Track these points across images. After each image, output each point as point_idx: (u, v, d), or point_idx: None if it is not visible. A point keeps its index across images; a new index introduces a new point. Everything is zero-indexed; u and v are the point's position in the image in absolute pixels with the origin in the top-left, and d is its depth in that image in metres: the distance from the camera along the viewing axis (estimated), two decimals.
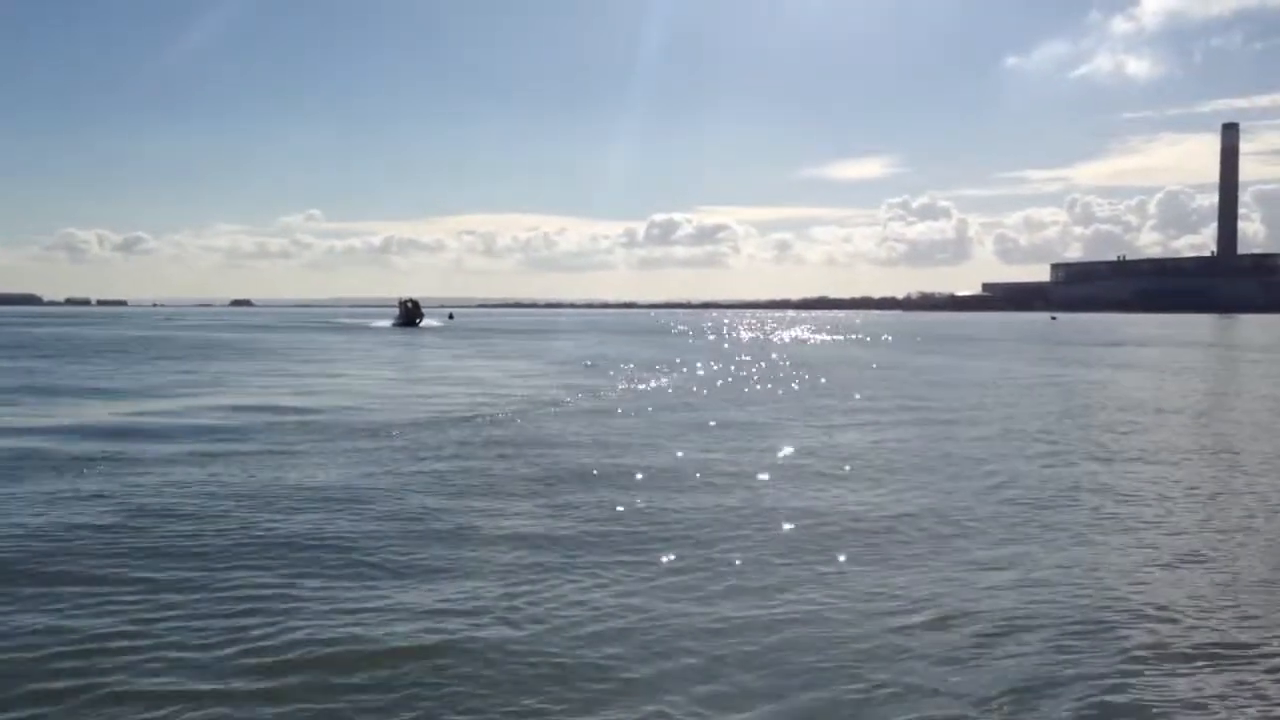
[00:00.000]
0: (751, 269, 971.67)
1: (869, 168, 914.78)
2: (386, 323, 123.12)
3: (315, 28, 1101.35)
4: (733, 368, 47.66)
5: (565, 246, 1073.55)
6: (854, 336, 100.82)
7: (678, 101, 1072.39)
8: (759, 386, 36.37)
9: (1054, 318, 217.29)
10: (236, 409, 26.09)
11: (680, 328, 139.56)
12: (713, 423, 24.23)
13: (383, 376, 40.08)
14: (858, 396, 32.08)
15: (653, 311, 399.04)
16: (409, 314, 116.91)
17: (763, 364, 51.04)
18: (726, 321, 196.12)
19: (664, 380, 38.73)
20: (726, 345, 77.56)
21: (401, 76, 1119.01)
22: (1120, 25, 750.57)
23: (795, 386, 36.31)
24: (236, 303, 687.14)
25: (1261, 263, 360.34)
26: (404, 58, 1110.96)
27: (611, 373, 42.85)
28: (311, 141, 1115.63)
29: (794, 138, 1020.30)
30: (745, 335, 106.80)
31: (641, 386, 35.71)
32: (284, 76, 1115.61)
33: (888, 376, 42.40)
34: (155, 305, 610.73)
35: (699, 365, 49.35)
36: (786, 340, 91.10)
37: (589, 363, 50.41)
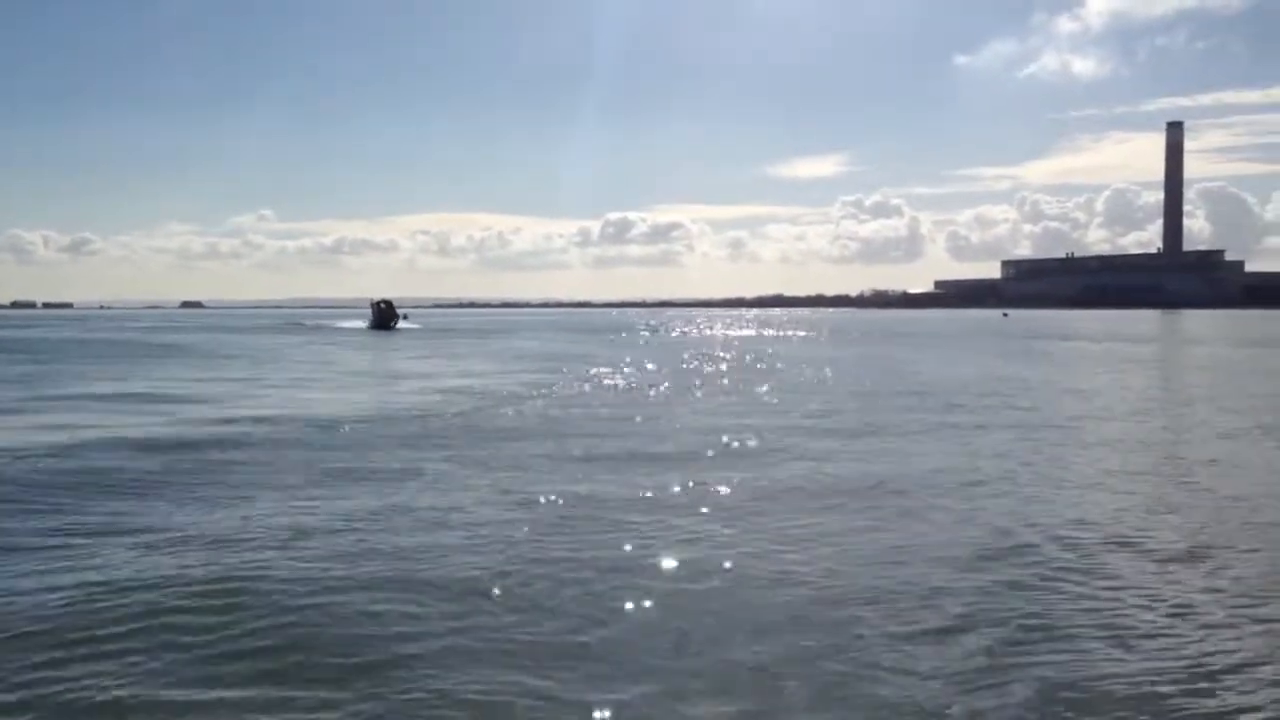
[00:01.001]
0: (706, 267, 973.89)
1: (822, 166, 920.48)
2: (358, 324, 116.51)
3: (266, 26, 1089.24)
4: (719, 365, 47.98)
5: (520, 246, 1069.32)
6: (827, 335, 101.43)
7: (632, 101, 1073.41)
8: (756, 387, 36.60)
9: (1005, 314, 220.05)
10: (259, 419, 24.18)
11: (642, 326, 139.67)
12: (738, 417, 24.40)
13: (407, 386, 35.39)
14: (833, 395, 32.41)
15: (612, 311, 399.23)
16: (383, 315, 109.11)
17: (744, 361, 51.45)
18: (686, 319, 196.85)
19: (664, 377, 39.00)
20: (694, 343, 77.98)
21: (355, 75, 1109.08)
22: (1066, 25, 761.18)
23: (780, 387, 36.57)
24: (187, 304, 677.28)
25: (1206, 259, 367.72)
26: (357, 56, 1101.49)
27: (626, 371, 43.12)
28: (263, 141, 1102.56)
29: (747, 137, 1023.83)
30: (711, 333, 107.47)
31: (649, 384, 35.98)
32: (235, 75, 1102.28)
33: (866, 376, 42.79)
34: (103, 307, 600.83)
35: (684, 363, 49.68)
36: (750, 337, 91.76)
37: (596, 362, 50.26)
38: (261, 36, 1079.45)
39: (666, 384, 35.67)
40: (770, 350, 63.65)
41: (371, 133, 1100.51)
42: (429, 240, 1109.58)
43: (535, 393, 31.59)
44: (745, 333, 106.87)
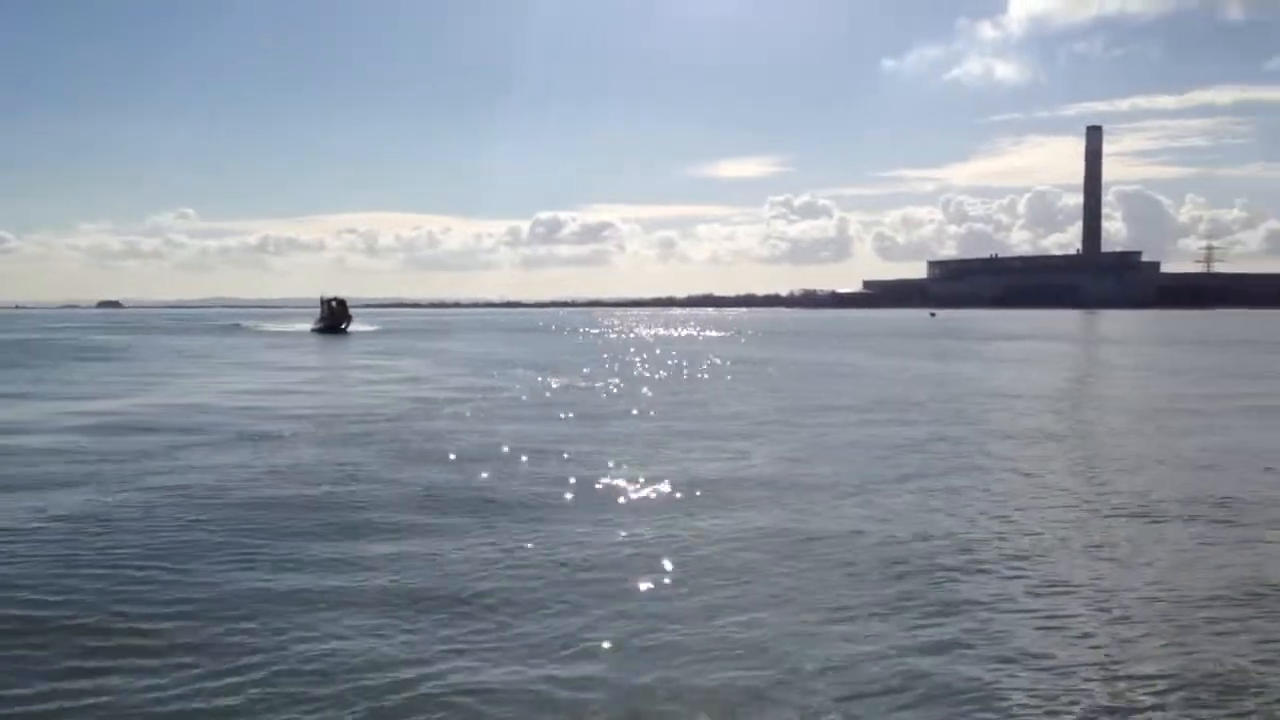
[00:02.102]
0: (636, 267, 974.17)
1: (752, 167, 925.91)
2: (302, 325, 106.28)
3: (183, 16, 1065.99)
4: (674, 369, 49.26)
5: (449, 245, 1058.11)
6: (760, 336, 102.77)
7: (562, 101, 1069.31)
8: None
9: (933, 314, 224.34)
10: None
11: (583, 328, 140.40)
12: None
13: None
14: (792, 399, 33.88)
15: (544, 311, 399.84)
16: (334, 315, 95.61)
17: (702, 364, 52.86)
18: (620, 319, 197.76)
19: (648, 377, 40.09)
20: (627, 345, 79.18)
21: (278, 72, 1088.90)
22: (988, 31, 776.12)
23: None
24: (104, 304, 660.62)
25: (1123, 260, 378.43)
26: (279, 53, 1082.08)
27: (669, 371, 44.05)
28: (183, 137, 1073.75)
29: (678, 137, 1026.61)
30: (645, 333, 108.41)
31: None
32: (150, 68, 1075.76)
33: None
34: (18, 307, 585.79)
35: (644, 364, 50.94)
36: (692, 339, 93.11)
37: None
38: (179, 32, 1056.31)
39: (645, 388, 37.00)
40: (734, 355, 65.13)
41: (296, 130, 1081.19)
42: (356, 240, 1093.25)
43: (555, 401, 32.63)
44: (685, 333, 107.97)
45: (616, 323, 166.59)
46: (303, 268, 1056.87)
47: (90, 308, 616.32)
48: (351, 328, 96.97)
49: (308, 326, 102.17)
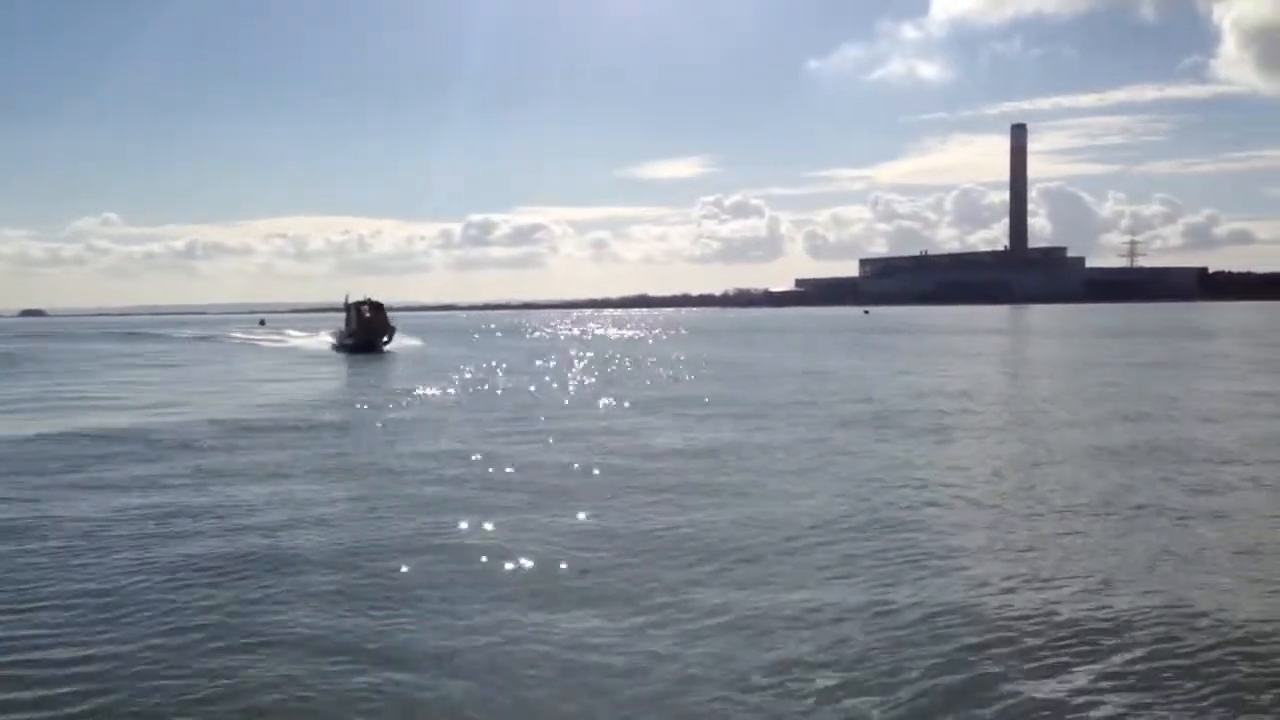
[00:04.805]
0: (570, 268, 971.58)
1: (682, 167, 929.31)
2: (305, 338, 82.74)
3: (106, 17, 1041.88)
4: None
5: (380, 249, 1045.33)
6: (703, 334, 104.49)
7: (493, 103, 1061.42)
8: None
9: (866, 311, 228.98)
10: None
11: (556, 328, 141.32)
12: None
13: None
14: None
15: (477, 313, 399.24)
16: (370, 327, 65.64)
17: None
18: (555, 322, 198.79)
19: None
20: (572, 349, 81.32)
21: (203, 74, 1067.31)
22: (910, 32, 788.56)
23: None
24: (27, 313, 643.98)
25: (1049, 256, 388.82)
26: (205, 55, 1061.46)
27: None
28: (104, 141, 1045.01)
29: (608, 138, 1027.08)
30: (618, 334, 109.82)
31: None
32: (72, 70, 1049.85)
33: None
34: None
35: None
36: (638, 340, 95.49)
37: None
38: (101, 34, 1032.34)
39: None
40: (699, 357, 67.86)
41: (221, 133, 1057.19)
42: (285, 244, 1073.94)
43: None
44: (634, 334, 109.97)
45: (559, 324, 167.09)
46: (231, 273, 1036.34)
47: (12, 316, 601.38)
48: (392, 344, 66.85)
49: (311, 339, 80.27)
